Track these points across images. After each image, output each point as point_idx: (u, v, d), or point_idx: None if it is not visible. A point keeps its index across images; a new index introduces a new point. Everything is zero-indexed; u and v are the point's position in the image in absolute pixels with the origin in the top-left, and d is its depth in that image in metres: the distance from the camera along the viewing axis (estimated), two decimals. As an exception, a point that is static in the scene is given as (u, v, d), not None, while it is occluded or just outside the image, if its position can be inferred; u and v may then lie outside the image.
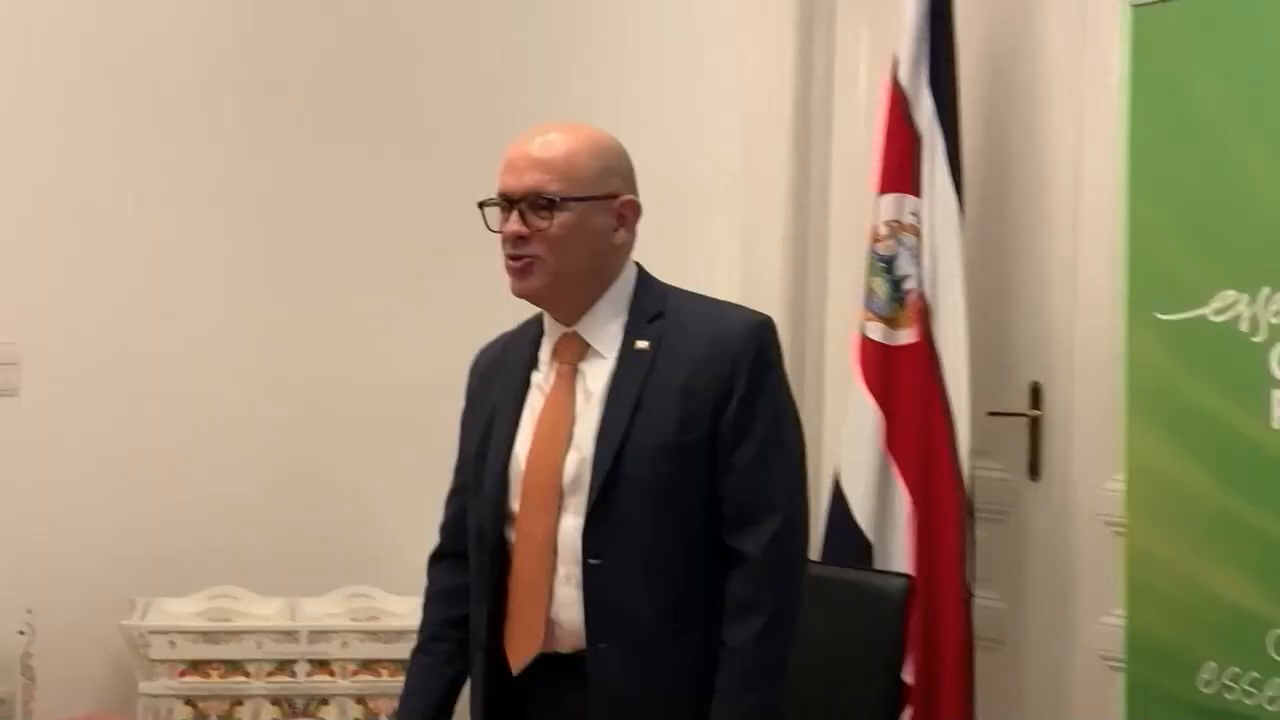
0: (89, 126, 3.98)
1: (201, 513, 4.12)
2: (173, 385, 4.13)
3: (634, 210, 2.11)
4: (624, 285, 2.13)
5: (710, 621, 2.05)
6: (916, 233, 3.17)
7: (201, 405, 4.17)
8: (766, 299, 3.59)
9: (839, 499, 3.20)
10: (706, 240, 3.73)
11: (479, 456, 2.17)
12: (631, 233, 2.13)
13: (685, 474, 2.04)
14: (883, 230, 3.19)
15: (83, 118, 3.97)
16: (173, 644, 3.64)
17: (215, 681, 3.66)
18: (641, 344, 2.08)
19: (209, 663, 3.66)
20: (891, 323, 3.18)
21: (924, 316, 3.15)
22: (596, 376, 2.10)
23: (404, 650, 3.67)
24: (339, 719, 3.72)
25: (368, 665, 3.74)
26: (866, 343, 3.21)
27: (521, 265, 2.06)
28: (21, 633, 3.76)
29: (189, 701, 3.66)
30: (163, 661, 3.64)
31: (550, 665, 2.10)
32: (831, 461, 3.31)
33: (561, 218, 2.03)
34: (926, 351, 3.15)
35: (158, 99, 4.07)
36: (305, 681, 3.70)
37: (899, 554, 3.14)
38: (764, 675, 2.01)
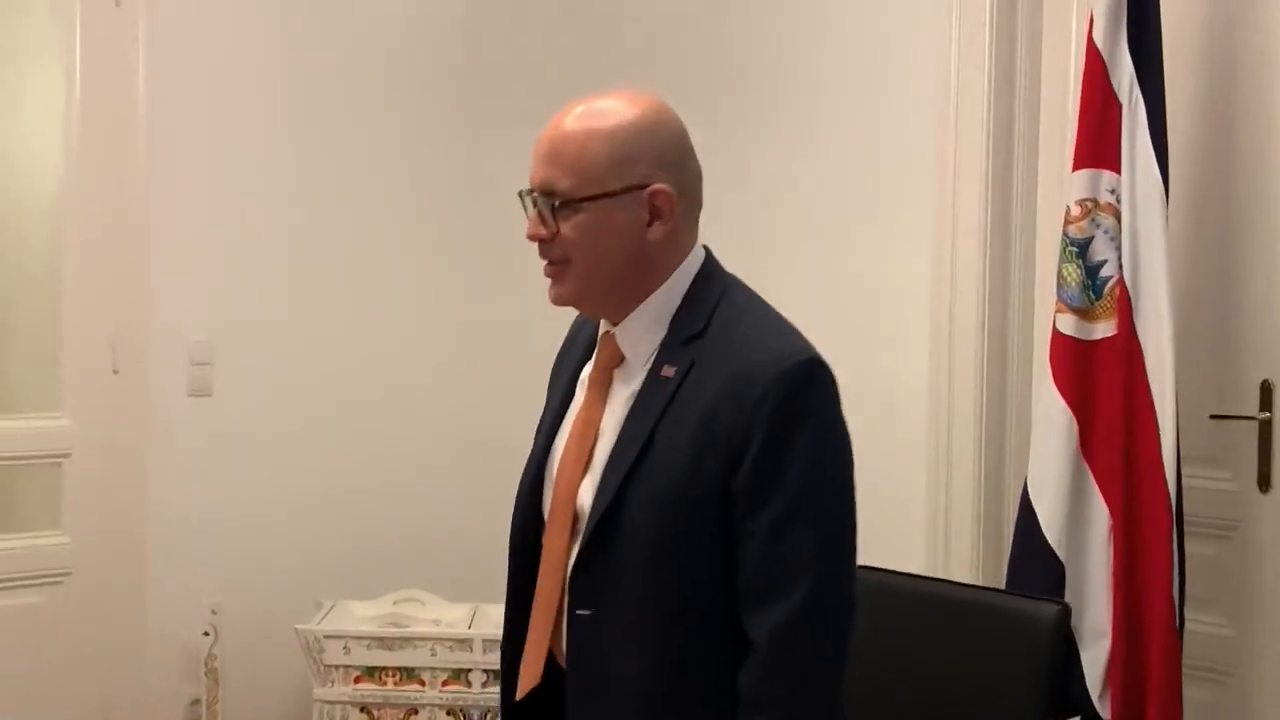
0: (279, 132, 3.99)
1: (389, 515, 4.09)
2: (364, 387, 4.11)
3: (668, 200, 1.75)
4: (673, 289, 1.80)
5: (717, 709, 1.72)
6: (1115, 214, 2.80)
7: (393, 407, 4.13)
8: (963, 291, 3.29)
9: (1027, 512, 2.86)
10: (899, 226, 3.44)
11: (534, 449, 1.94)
12: (671, 224, 1.77)
13: (690, 530, 1.71)
14: (1075, 211, 2.83)
15: (272, 124, 3.98)
16: (347, 650, 3.59)
17: (390, 689, 3.59)
18: (668, 371, 1.75)
19: (384, 669, 3.59)
20: (1086, 315, 2.83)
21: (1125, 307, 2.78)
22: (622, 395, 1.80)
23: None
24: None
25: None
26: (1058, 337, 2.86)
27: (552, 271, 1.80)
28: (206, 634, 3.77)
29: (363, 708, 3.60)
30: (337, 667, 3.58)
31: (555, 696, 1.83)
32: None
33: (577, 219, 1.74)
34: (1128, 346, 2.78)
35: (346, 104, 4.05)
36: (480, 692, 3.59)
37: (1096, 574, 2.79)
38: None
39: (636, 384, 1.78)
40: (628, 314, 1.80)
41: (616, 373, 1.82)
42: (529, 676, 1.83)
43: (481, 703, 3.58)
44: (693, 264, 1.81)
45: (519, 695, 1.85)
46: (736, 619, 1.70)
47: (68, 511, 3.75)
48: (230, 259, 3.94)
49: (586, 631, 1.76)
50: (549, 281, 1.81)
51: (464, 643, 3.59)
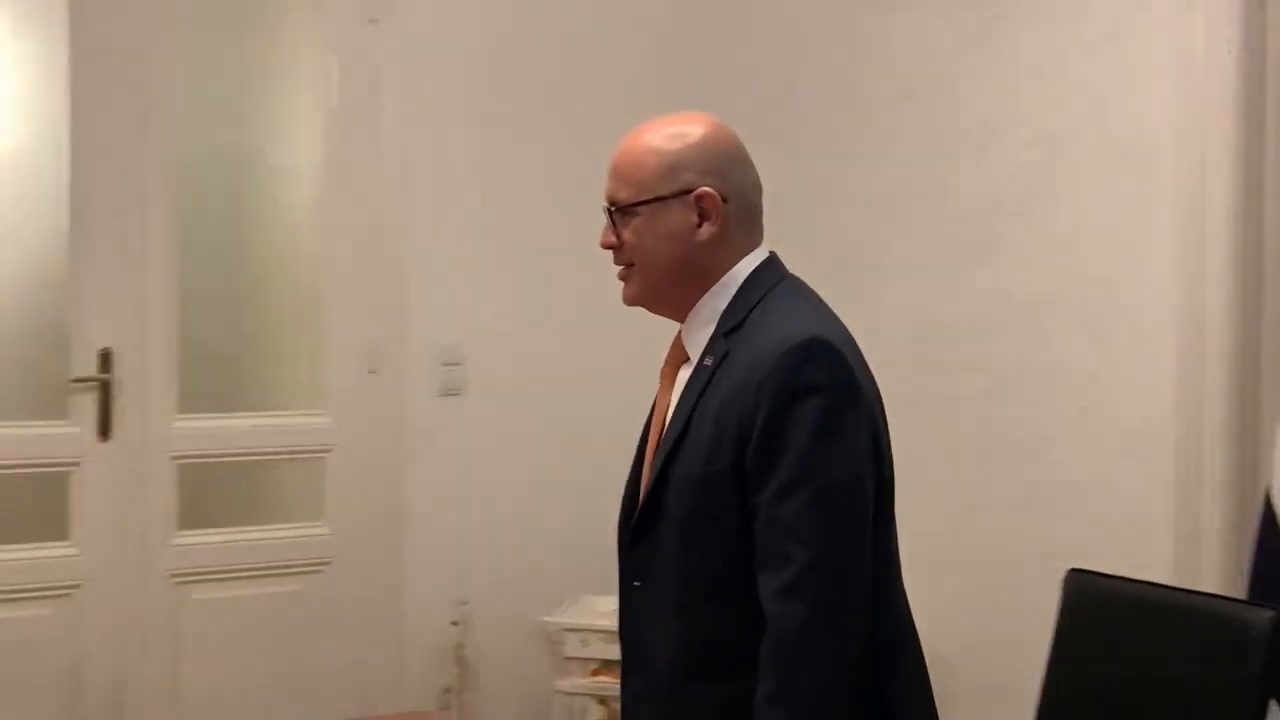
0: (525, 142, 4.10)
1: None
2: (608, 386, 4.17)
3: (714, 202, 1.90)
4: (725, 288, 1.93)
5: (739, 675, 1.77)
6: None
7: (636, 405, 4.18)
8: (1212, 285, 3.12)
9: (1269, 520, 2.69)
10: (1141, 215, 3.28)
11: None
12: (719, 225, 1.91)
13: (710, 508, 1.82)
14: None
15: (518, 134, 4.10)
16: (585, 642, 3.67)
17: (626, 682, 3.64)
18: (707, 361, 1.90)
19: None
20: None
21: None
22: (680, 387, 1.95)
23: None
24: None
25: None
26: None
27: (622, 274, 1.99)
28: (455, 624, 3.91)
29: (602, 701, 3.66)
30: (576, 659, 3.66)
31: None
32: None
33: (634, 224, 1.93)
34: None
35: (587, 113, 4.13)
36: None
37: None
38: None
39: (688, 376, 1.93)
40: (688, 313, 1.95)
41: (682, 368, 1.97)
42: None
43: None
44: (746, 266, 1.94)
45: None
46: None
47: (329, 503, 3.96)
48: (480, 264, 4.08)
49: (635, 603, 1.91)
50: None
51: None
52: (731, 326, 1.89)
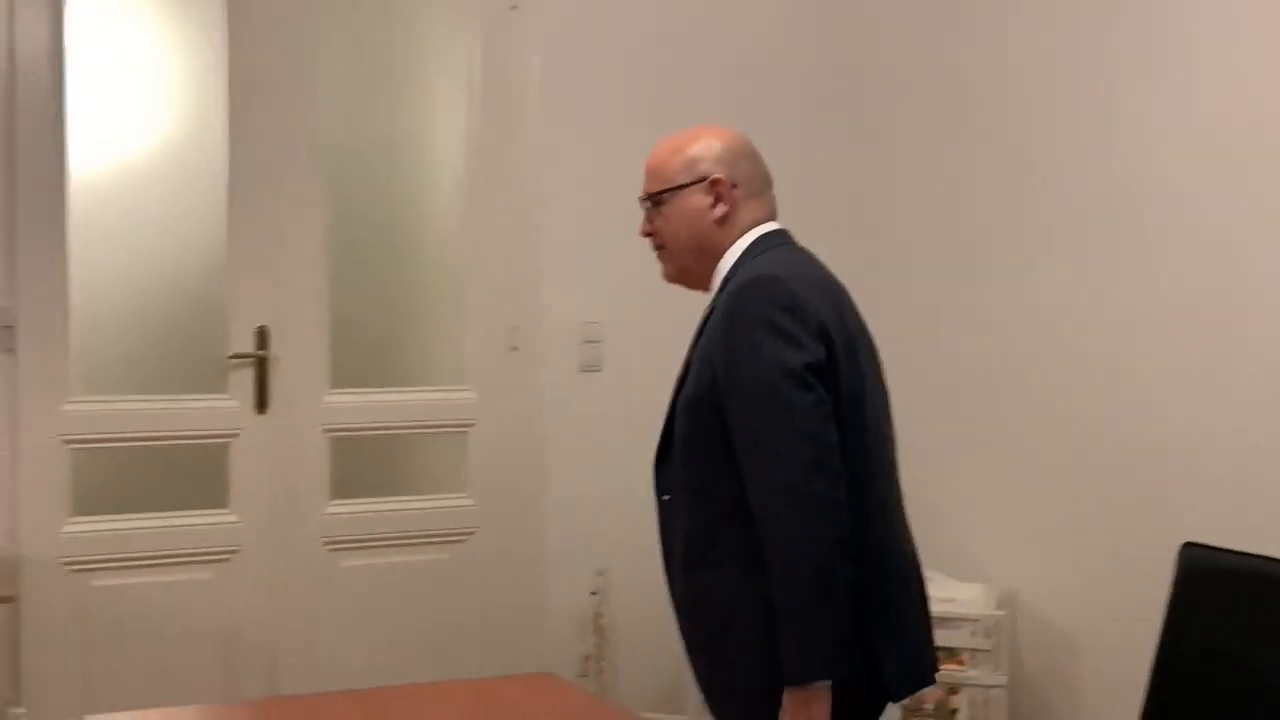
0: (661, 124, 4.16)
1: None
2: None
3: (725, 186, 2.29)
4: (733, 255, 2.29)
5: (730, 565, 2.15)
6: None
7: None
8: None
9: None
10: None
11: None
12: (729, 205, 2.29)
13: (699, 429, 2.18)
14: None
15: (654, 116, 4.16)
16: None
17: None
18: (707, 312, 2.26)
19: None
20: None
21: None
22: None
23: (956, 637, 3.56)
24: (887, 701, 3.62)
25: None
26: None
27: (659, 256, 2.37)
28: (594, 594, 4.02)
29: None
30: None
31: None
32: None
33: (665, 210, 2.33)
34: None
35: (725, 88, 4.19)
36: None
37: None
38: (786, 622, 2.03)
39: None
40: (711, 281, 2.30)
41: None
42: None
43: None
44: (750, 237, 2.29)
45: None
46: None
47: (473, 475, 4.10)
48: (617, 244, 4.15)
49: (664, 512, 2.30)
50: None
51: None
52: (726, 280, 2.24)
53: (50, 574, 3.61)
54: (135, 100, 3.82)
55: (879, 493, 2.18)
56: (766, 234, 2.28)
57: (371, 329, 4.12)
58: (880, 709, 2.17)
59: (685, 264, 2.32)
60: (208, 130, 3.83)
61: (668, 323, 4.14)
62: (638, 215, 4.10)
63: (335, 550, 3.94)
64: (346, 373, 3.98)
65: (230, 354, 3.83)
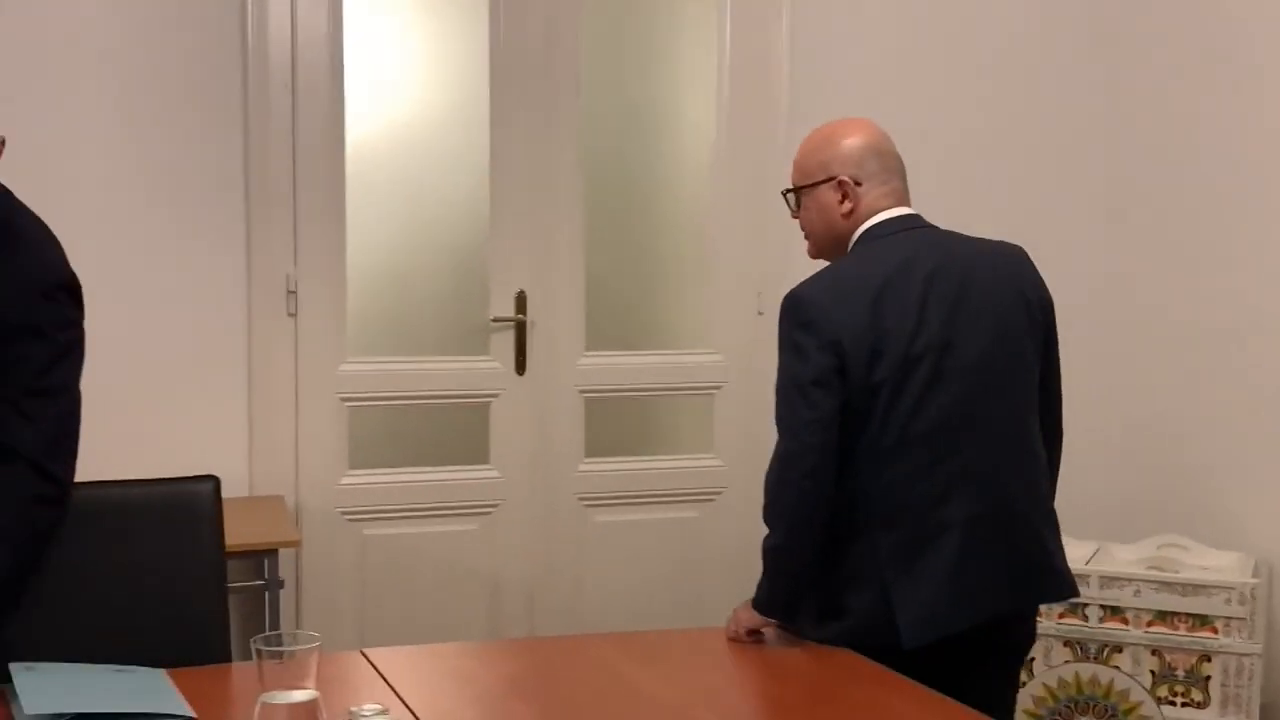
0: (914, 88, 4.20)
1: (1157, 459, 4.12)
2: (1109, 331, 4.19)
3: (848, 184, 2.55)
4: (853, 242, 2.57)
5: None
6: None
7: (1145, 350, 4.16)
8: None
9: None
10: None
11: None
12: (854, 200, 2.55)
13: None
14: None
15: (907, 89, 4.20)
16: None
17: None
18: None
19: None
20: None
21: None
22: None
23: (1203, 604, 3.52)
24: (1132, 668, 3.61)
25: (1163, 617, 3.59)
26: None
27: (805, 238, 2.67)
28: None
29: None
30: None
31: None
32: None
33: (805, 202, 2.63)
34: None
35: (972, 71, 4.19)
36: (1097, 628, 3.64)
37: None
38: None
39: None
40: None
41: None
42: None
43: (1099, 636, 3.61)
44: (865, 226, 2.55)
45: None
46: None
47: (719, 437, 4.22)
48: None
49: None
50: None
51: (1081, 579, 3.54)
52: None
53: (329, 522, 3.88)
54: (404, 76, 4.05)
55: (934, 457, 2.39)
56: (877, 224, 2.53)
57: (624, 293, 4.27)
58: (926, 654, 2.34)
59: (824, 248, 2.62)
60: (471, 103, 4.02)
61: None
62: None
63: (589, 506, 4.11)
64: (600, 336, 4.14)
65: (492, 318, 4.03)
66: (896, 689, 2.21)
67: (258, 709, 1.73)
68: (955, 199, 4.14)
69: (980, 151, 4.25)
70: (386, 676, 2.22)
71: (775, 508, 2.44)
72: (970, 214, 4.05)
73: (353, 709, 1.80)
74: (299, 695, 1.73)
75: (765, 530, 2.47)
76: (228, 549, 2.51)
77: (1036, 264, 2.58)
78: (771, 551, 2.46)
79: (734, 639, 2.51)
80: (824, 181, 2.55)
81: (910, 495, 2.38)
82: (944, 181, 4.16)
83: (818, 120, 4.21)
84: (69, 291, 2.12)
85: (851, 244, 2.54)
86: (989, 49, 4.24)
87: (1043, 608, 3.61)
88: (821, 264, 2.57)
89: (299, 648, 1.74)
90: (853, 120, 2.65)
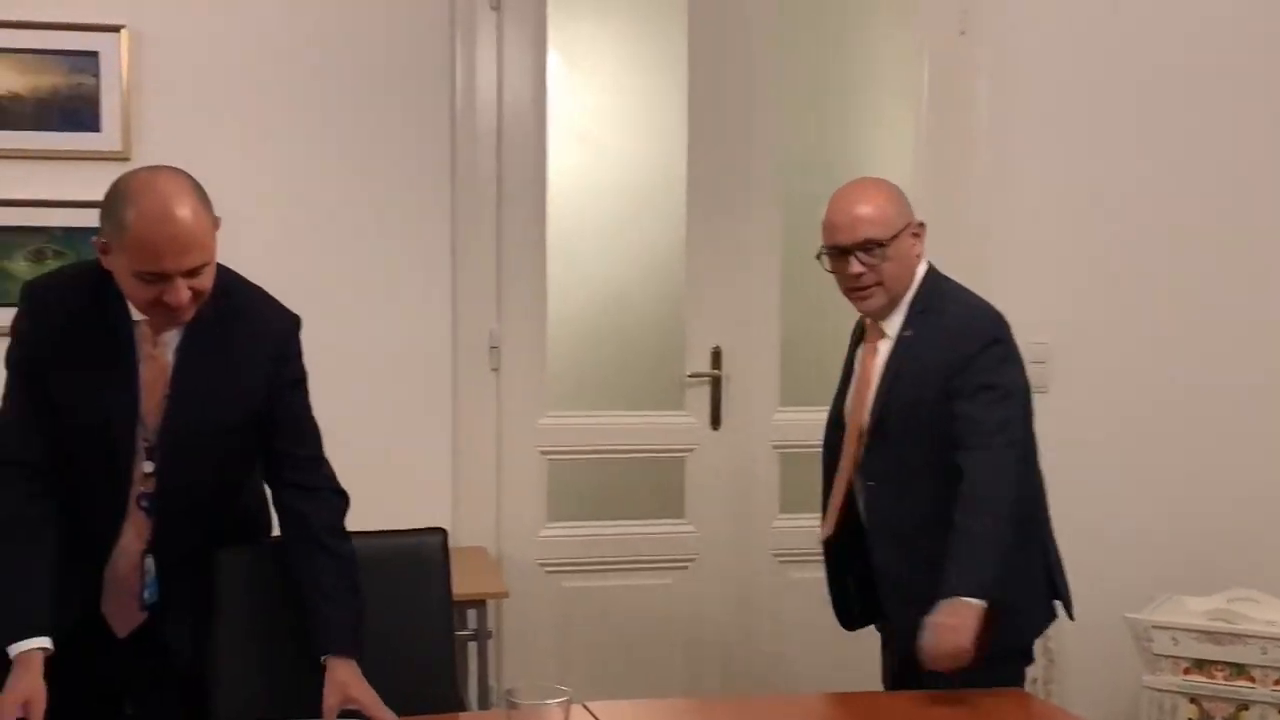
0: (1113, 144, 4.13)
1: (1227, 511, 4.06)
2: (1201, 384, 4.12)
3: (922, 228, 2.82)
4: (914, 284, 2.78)
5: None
6: None
7: (1233, 403, 4.11)
8: None
9: None
10: None
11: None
12: (922, 243, 2.80)
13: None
14: None
15: (1108, 136, 4.13)
16: (1175, 641, 3.64)
17: (1219, 683, 3.60)
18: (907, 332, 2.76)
19: (1213, 663, 3.61)
20: None
21: None
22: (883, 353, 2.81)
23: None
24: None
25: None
26: None
27: (866, 293, 2.75)
28: (1043, 615, 3.98)
29: (1193, 700, 3.63)
30: (1165, 657, 3.65)
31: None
32: None
33: (888, 252, 2.72)
34: None
35: (1188, 113, 4.11)
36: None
37: None
38: None
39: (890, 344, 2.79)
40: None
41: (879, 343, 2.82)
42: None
43: (1316, 707, 3.49)
44: (922, 267, 2.81)
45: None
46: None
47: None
48: (1066, 264, 4.14)
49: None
50: (857, 302, 2.82)
51: None
52: (916, 306, 2.76)
53: (528, 574, 3.93)
54: (603, 133, 4.14)
55: None
56: (930, 265, 2.81)
57: (820, 348, 4.23)
58: None
59: (894, 297, 2.75)
60: (669, 159, 4.07)
61: (1115, 342, 4.13)
62: (1085, 239, 4.16)
63: (785, 562, 4.09)
64: (795, 391, 4.13)
65: (688, 373, 4.06)
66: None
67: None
68: (1151, 234, 4.10)
69: (1180, 188, 4.15)
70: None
71: (1003, 490, 2.55)
72: (1185, 247, 4.06)
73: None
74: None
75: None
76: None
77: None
78: (994, 533, 2.49)
79: (954, 650, 2.40)
80: (904, 229, 2.75)
81: (1041, 494, 2.87)
82: (1138, 217, 4.10)
83: (1017, 174, 4.26)
84: None
85: (915, 286, 2.77)
86: (1187, 89, 4.14)
87: (1255, 674, 3.55)
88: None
89: (549, 702, 1.76)
90: (871, 178, 2.92)
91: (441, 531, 2.58)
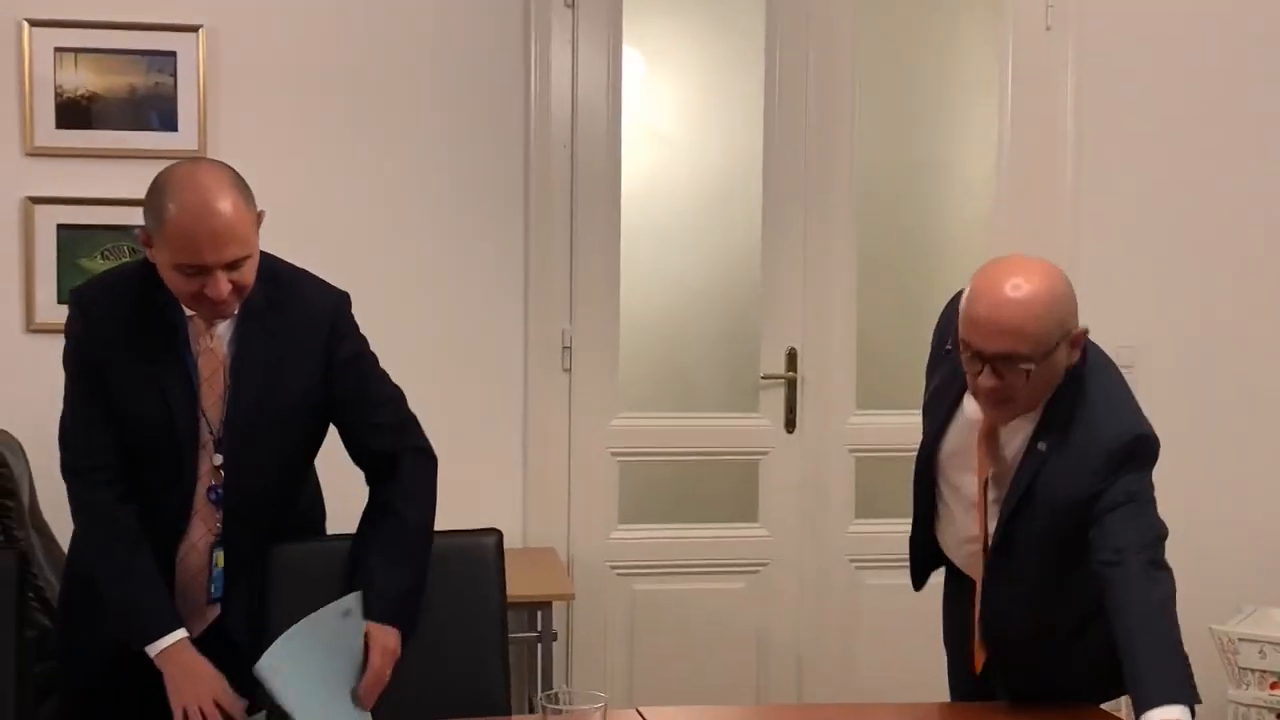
0: (1199, 145, 4.03)
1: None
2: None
3: (1083, 336, 2.33)
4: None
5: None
6: None
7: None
8: None
9: None
10: None
11: None
12: (1080, 349, 2.33)
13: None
14: None
15: (1195, 137, 4.02)
16: (1262, 654, 3.54)
17: (1312, 699, 3.49)
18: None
19: (1308, 679, 3.50)
20: None
21: None
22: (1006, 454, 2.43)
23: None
24: None
25: None
26: None
27: (998, 403, 2.30)
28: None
29: (1278, 714, 3.52)
30: (1252, 670, 3.55)
31: None
32: None
33: (1036, 369, 2.24)
34: None
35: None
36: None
37: None
38: None
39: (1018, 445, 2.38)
40: None
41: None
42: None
43: None
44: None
45: None
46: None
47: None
48: (1154, 267, 4.04)
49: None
50: (988, 407, 2.33)
51: None
52: (1054, 409, 2.34)
53: (599, 576, 3.90)
54: (678, 131, 4.09)
55: None
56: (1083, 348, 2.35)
57: (897, 351, 4.16)
58: None
59: (1031, 409, 2.34)
60: (745, 158, 4.02)
61: (1203, 347, 4.02)
62: (1175, 237, 4.05)
63: (861, 568, 4.03)
64: (872, 394, 4.06)
65: (763, 375, 4.00)
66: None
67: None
68: (1243, 233, 3.99)
69: (1273, 185, 4.03)
70: (661, 737, 2.21)
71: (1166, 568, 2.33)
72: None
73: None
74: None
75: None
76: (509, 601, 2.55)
77: None
78: (1174, 618, 2.30)
79: None
80: (1060, 342, 2.27)
81: None
82: (1230, 215, 3.99)
83: (1102, 178, 4.15)
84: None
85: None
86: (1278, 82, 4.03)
87: (1253, 678, 3.45)
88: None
89: (584, 707, 1.73)
90: (1037, 262, 2.35)
91: (496, 532, 2.55)
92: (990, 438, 2.41)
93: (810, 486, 4.02)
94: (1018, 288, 2.24)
